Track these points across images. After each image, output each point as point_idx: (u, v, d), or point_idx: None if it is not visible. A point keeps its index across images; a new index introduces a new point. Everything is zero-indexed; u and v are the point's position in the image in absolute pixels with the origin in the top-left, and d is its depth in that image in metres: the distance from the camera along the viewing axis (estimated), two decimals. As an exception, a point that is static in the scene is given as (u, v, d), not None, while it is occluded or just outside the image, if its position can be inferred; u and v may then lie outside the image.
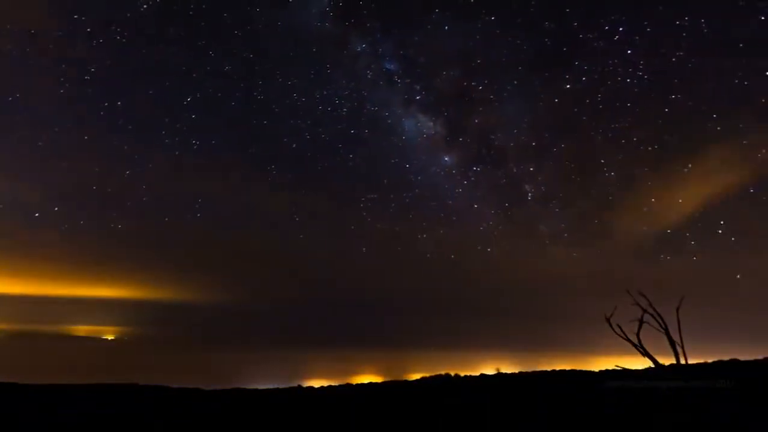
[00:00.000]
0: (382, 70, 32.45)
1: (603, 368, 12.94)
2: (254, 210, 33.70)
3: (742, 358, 11.99)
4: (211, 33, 30.12)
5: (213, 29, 30.03)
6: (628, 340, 8.96)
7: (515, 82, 29.54)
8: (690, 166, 24.88)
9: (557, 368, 14.82)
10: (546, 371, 14.26)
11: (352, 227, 32.29)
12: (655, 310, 8.85)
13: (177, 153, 30.78)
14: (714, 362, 11.76)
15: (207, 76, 30.85)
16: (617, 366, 9.44)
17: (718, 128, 23.58)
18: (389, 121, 32.99)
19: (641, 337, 9.06)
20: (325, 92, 32.29)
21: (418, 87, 32.85)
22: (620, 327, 8.99)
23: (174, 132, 30.81)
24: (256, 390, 13.73)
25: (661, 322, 8.74)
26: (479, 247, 31.81)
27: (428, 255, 32.80)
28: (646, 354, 8.69)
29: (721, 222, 24.37)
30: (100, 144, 29.82)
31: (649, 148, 25.76)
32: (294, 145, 32.51)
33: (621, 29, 24.46)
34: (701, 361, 11.65)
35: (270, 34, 31.37)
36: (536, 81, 29.09)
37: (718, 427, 5.74)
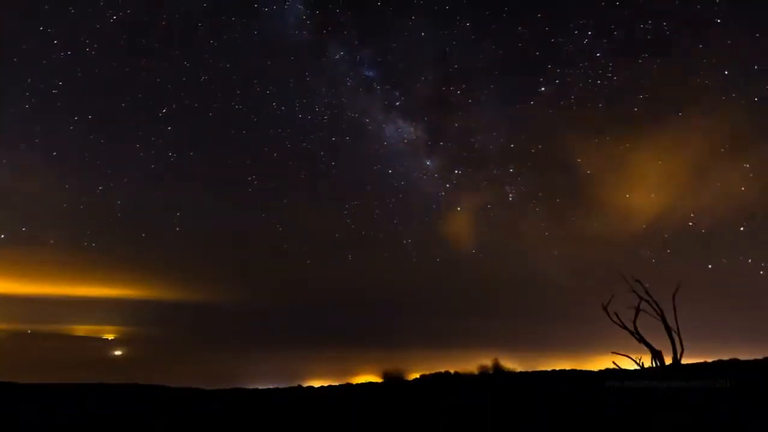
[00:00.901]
0: (361, 77, 32.17)
1: (600, 366, 13.00)
2: (239, 218, 33.73)
3: (742, 357, 12.00)
4: (185, 43, 29.58)
5: (186, 39, 29.55)
6: (625, 327, 9.03)
7: (492, 86, 30.56)
8: (660, 162, 26.19)
9: (557, 368, 14.83)
10: (546, 371, 14.27)
11: (337, 235, 32.46)
12: (650, 296, 8.92)
13: (153, 166, 30.50)
14: (714, 362, 11.77)
15: (182, 87, 30.19)
16: (613, 352, 9.42)
17: (687, 126, 25.52)
18: (370, 128, 32.72)
19: (638, 330, 9.15)
20: (304, 101, 31.92)
21: (397, 93, 33.14)
22: (617, 315, 9.06)
23: (149, 145, 29.82)
24: (256, 390, 13.75)
25: (657, 308, 8.81)
26: (463, 249, 32.44)
27: (414, 259, 33.08)
28: (642, 341, 8.76)
29: (691, 214, 25.84)
30: (71, 158, 29.65)
31: (621, 147, 27.14)
32: (275, 155, 32.50)
33: (589, 33, 26.16)
34: (701, 360, 11.65)
35: (246, 44, 30.96)
36: (512, 85, 30.21)
37: (718, 427, 5.74)
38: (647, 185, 27.25)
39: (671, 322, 8.63)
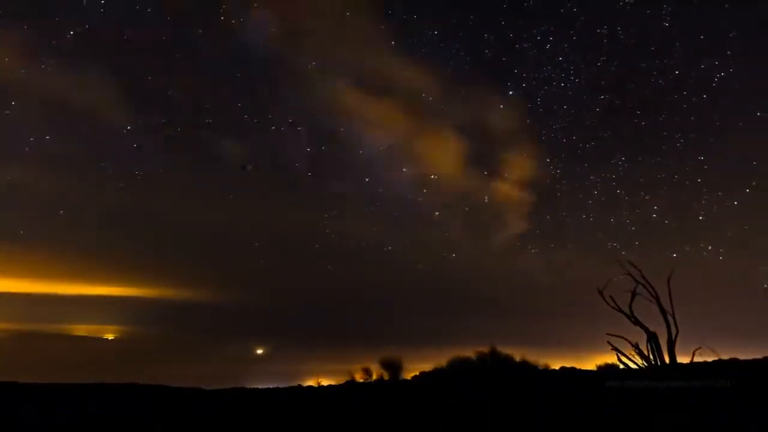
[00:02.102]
0: (335, 86, 32.81)
1: (598, 362, 13.03)
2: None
3: (742, 357, 11.99)
4: (149, 57, 28.97)
5: (151, 53, 28.88)
6: (621, 311, 9.12)
7: (462, 92, 31.43)
8: (623, 158, 28.34)
9: (555, 365, 14.82)
10: (546, 370, 14.26)
11: (317, 246, 32.46)
12: (646, 280, 9.04)
13: (121, 185, 29.55)
14: (714, 362, 11.76)
15: (148, 103, 29.66)
16: (609, 335, 9.44)
17: (643, 123, 27.64)
18: (347, 136, 33.21)
19: (633, 313, 9.22)
20: (279, 112, 31.72)
21: (371, 101, 33.42)
22: (613, 299, 9.16)
23: (115, 161, 29.46)
24: (256, 390, 13.75)
25: (651, 291, 8.92)
26: (444, 254, 32.88)
27: (395, 266, 33.25)
28: (637, 323, 8.88)
29: (655, 207, 27.86)
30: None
31: (587, 145, 29.16)
32: (249, 167, 32.39)
33: (551, 38, 27.89)
34: (701, 360, 11.64)
35: (215, 56, 30.60)
36: (481, 90, 31.23)
37: (718, 427, 5.74)
38: (614, 183, 28.63)
39: (666, 305, 8.76)
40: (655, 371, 8.61)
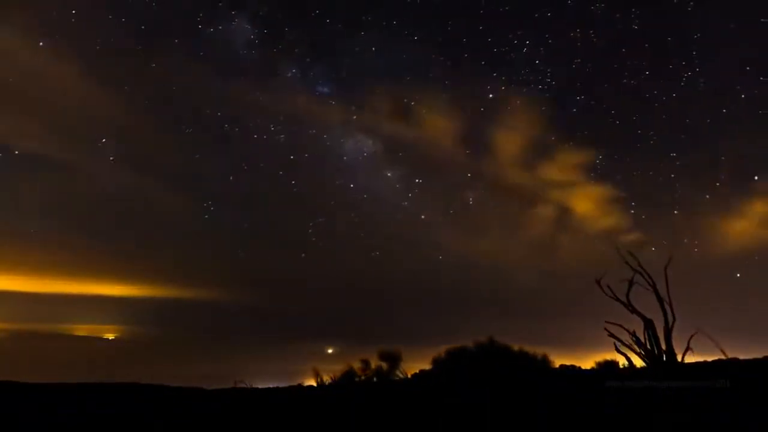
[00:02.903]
0: (316, 93, 32.25)
1: (597, 358, 13.07)
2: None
3: (742, 357, 11.98)
4: (121, 69, 28.49)
5: (122, 64, 28.36)
6: (618, 300, 9.23)
7: (444, 96, 31.95)
8: (600, 157, 29.38)
9: (553, 357, 14.77)
10: (544, 362, 14.21)
11: (303, 255, 32.34)
12: (643, 268, 9.17)
13: (94, 202, 30.01)
14: (714, 361, 11.76)
15: (120, 117, 29.22)
16: (607, 322, 9.51)
17: (617, 122, 28.70)
18: (329, 143, 32.92)
19: (630, 302, 9.34)
20: (259, 121, 31.46)
21: (353, 107, 33.24)
22: (610, 288, 9.29)
23: (89, 179, 29.52)
24: (256, 390, 13.76)
25: (648, 279, 9.05)
26: (431, 256, 33.12)
27: (383, 271, 33.26)
28: (634, 311, 8.98)
29: (632, 203, 28.98)
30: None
31: (565, 146, 30.11)
32: (231, 178, 31.72)
33: (527, 42, 28.86)
34: (701, 360, 11.64)
35: (191, 66, 30.04)
36: (462, 93, 31.80)
37: (718, 427, 5.74)
38: (589, 181, 30.46)
39: (663, 293, 8.90)
40: (655, 371, 8.61)
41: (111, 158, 29.56)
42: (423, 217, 32.57)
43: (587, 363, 14.35)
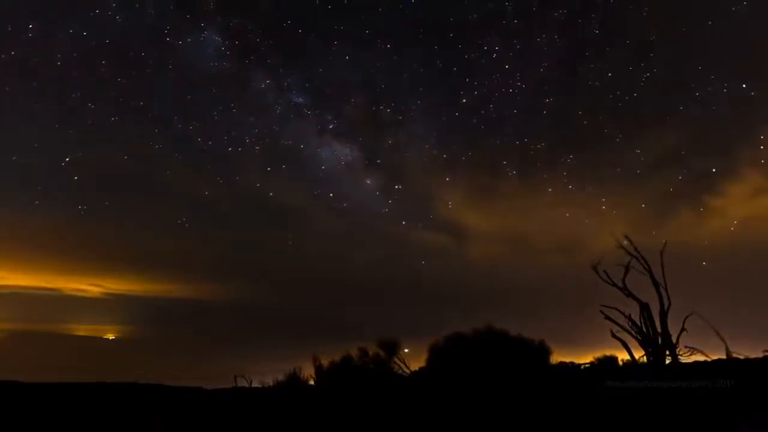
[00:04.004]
0: (291, 104, 31.66)
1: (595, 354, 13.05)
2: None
3: (742, 356, 11.96)
4: (87, 83, 27.48)
5: (88, 78, 27.44)
6: (615, 284, 9.31)
7: (419, 102, 32.39)
8: (571, 156, 30.37)
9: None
10: (543, 344, 14.15)
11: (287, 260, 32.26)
12: (639, 252, 9.27)
13: (61, 222, 29.04)
14: (714, 361, 11.75)
15: (89, 132, 28.03)
16: (603, 306, 9.57)
17: (585, 122, 29.67)
18: (306, 153, 32.40)
19: (626, 286, 9.42)
20: (233, 133, 30.95)
21: (329, 116, 33.09)
22: (607, 273, 9.38)
23: (51, 197, 28.28)
24: (256, 390, 13.76)
25: (644, 263, 9.13)
26: (414, 261, 33.28)
27: (370, 277, 33.28)
28: (630, 295, 9.09)
29: (603, 199, 29.80)
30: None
31: (538, 146, 31.02)
32: (206, 193, 31.08)
33: (497, 48, 29.67)
34: (701, 359, 11.65)
35: (161, 79, 29.19)
36: (436, 99, 32.39)
37: (718, 427, 5.74)
38: (565, 179, 31.11)
39: (658, 277, 8.98)
40: (655, 371, 8.62)
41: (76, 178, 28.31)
42: (404, 223, 32.68)
43: (586, 360, 14.39)
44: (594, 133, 29.79)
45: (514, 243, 33.59)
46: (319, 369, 12.61)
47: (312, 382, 12.66)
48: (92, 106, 27.65)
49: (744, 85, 25.77)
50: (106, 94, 28.18)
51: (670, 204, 29.03)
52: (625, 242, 9.62)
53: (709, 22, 26.11)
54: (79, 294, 31.21)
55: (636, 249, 9.47)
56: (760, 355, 9.65)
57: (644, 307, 9.28)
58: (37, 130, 27.34)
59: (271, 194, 31.07)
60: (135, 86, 28.43)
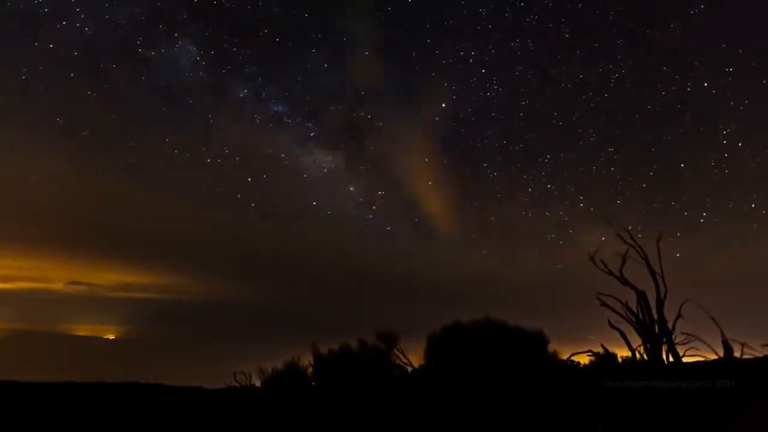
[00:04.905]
0: (270, 113, 32.05)
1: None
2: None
3: (738, 343, 11.95)
4: (58, 98, 26.80)
5: (60, 93, 26.74)
6: (612, 273, 9.45)
7: (399, 108, 33.50)
8: (549, 156, 31.94)
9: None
10: (541, 335, 14.14)
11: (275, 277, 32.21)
12: (635, 242, 9.42)
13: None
14: (714, 360, 11.76)
15: (61, 149, 27.73)
16: (599, 294, 9.64)
17: (560, 123, 31.21)
18: (287, 162, 32.81)
19: (623, 275, 9.50)
20: (211, 144, 31.11)
21: (309, 124, 33.21)
22: (604, 263, 9.52)
23: (26, 217, 28.66)
24: (256, 389, 13.75)
25: (641, 252, 9.27)
26: (399, 266, 34.69)
27: (355, 284, 33.54)
28: (627, 284, 9.21)
29: (581, 197, 31.53)
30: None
31: (516, 147, 32.44)
32: (189, 204, 31.62)
33: (473, 53, 31.16)
34: (701, 359, 11.66)
35: (134, 91, 28.87)
36: (415, 105, 33.20)
37: (718, 426, 5.74)
38: (544, 178, 32.16)
39: (655, 266, 9.17)
40: (655, 371, 8.62)
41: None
42: (388, 228, 32.87)
43: (585, 358, 14.40)
44: (568, 133, 31.40)
45: (496, 241, 34.74)
46: (317, 357, 12.63)
47: (311, 371, 12.69)
48: (60, 121, 26.94)
49: (706, 84, 27.49)
50: (74, 108, 27.61)
51: (644, 199, 30.44)
52: (623, 232, 9.72)
53: (671, 25, 27.81)
54: (79, 294, 31.23)
55: (632, 237, 9.59)
56: (759, 345, 9.69)
57: (641, 296, 9.41)
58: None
59: (252, 204, 30.57)
60: (108, 99, 28.04)
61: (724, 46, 26.65)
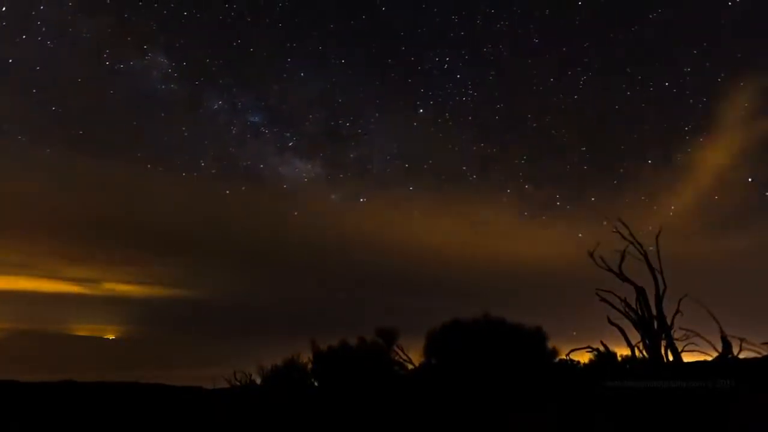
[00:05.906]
0: (246, 124, 31.51)
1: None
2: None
3: (742, 355, 11.94)
4: (25, 114, 25.68)
5: (25, 108, 25.58)
6: (611, 270, 9.44)
7: (377, 115, 33.55)
8: (525, 157, 32.86)
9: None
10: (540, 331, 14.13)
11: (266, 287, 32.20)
12: (634, 238, 9.41)
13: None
14: (714, 360, 11.74)
15: (33, 167, 26.47)
16: (598, 290, 9.65)
17: (534, 125, 32.38)
18: (266, 172, 32.69)
19: (622, 272, 9.50)
20: (186, 157, 30.77)
21: (288, 134, 32.96)
22: (602, 259, 9.54)
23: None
24: (256, 386, 13.75)
25: (640, 249, 9.28)
26: (384, 269, 34.48)
27: (344, 290, 33.69)
28: (626, 280, 9.20)
29: (557, 194, 33.41)
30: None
31: (493, 150, 33.99)
32: (167, 221, 30.90)
33: (447, 59, 31.66)
34: (701, 359, 11.66)
35: (104, 104, 27.90)
36: (394, 111, 33.43)
37: (718, 427, 5.74)
38: (524, 176, 34.01)
39: (654, 262, 9.19)
40: (655, 371, 8.61)
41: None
42: (373, 233, 32.92)
43: (584, 356, 14.41)
44: (543, 135, 32.28)
45: (478, 241, 35.20)
46: (317, 354, 12.64)
47: (310, 367, 12.71)
48: (22, 139, 25.88)
49: (667, 84, 28.96)
50: (37, 124, 26.57)
51: (615, 198, 31.32)
52: (621, 228, 9.72)
53: (634, 28, 29.18)
54: (80, 294, 31.23)
55: (631, 234, 9.58)
56: (758, 342, 9.69)
57: (640, 292, 9.41)
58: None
59: (229, 223, 29.92)
60: (75, 113, 27.37)
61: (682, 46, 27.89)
